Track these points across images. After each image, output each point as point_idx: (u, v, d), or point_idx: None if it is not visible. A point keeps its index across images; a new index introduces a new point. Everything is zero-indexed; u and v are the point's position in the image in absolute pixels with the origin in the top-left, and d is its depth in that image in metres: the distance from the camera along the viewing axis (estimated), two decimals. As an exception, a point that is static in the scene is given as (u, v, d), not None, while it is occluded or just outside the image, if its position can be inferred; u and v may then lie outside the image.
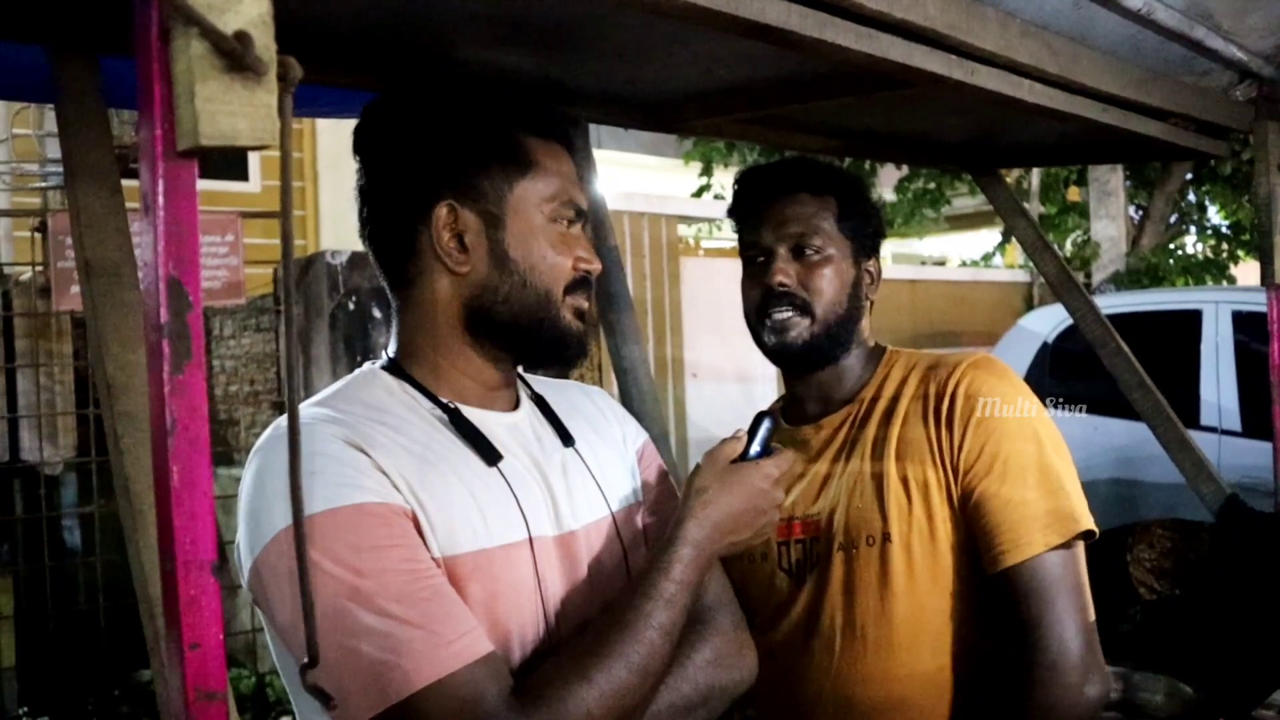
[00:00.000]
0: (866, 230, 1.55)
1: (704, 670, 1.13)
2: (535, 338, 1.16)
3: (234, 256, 4.63)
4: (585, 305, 1.19)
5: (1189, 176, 8.80)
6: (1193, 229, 9.45)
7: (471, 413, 1.15)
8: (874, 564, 1.44)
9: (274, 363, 5.32)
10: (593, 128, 2.04)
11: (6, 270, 5.09)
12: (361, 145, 1.17)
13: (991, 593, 1.41)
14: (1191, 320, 4.85)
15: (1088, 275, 8.42)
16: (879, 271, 1.59)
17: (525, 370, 1.26)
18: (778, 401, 1.66)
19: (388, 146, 1.15)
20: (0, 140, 5.78)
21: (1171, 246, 8.90)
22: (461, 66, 1.50)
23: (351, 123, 1.18)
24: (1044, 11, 1.56)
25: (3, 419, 4.69)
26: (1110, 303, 5.22)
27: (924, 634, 1.43)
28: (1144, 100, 1.87)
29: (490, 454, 1.12)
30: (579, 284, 1.17)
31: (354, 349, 4.73)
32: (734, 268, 1.60)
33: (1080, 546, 1.41)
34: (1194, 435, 2.55)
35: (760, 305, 1.51)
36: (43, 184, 5.43)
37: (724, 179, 8.00)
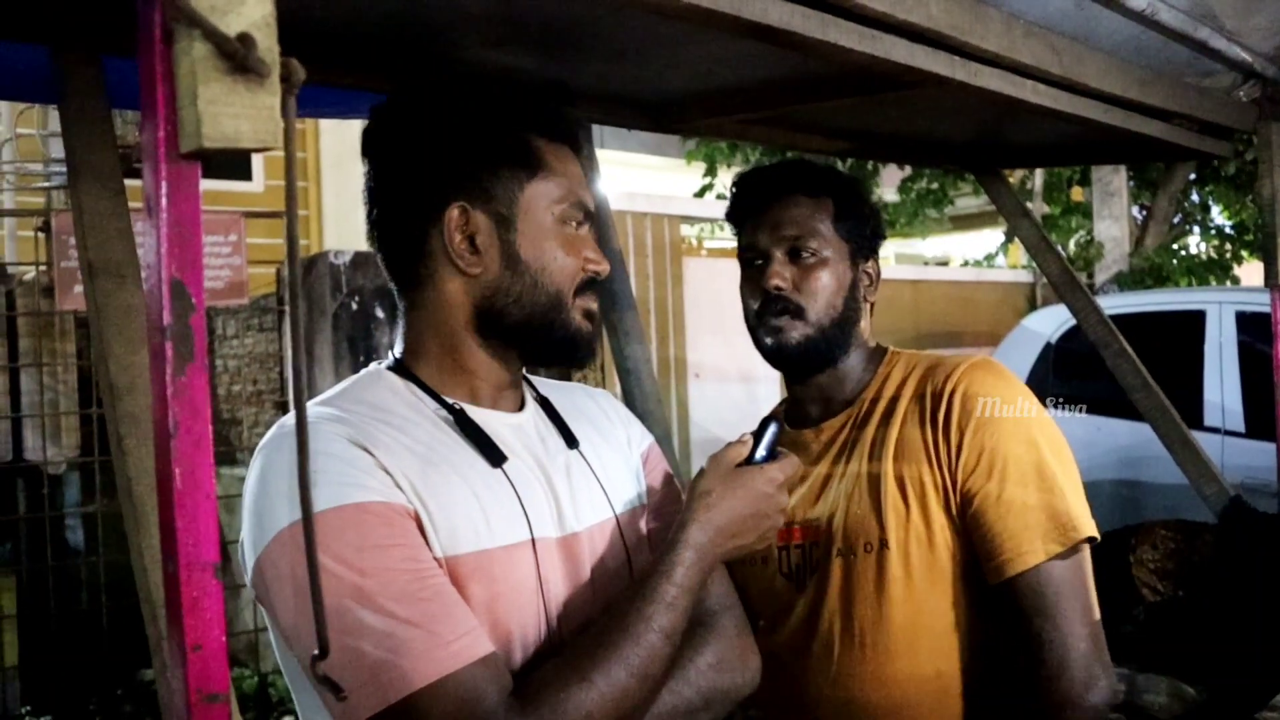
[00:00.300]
0: (864, 232, 1.55)
1: (705, 674, 1.13)
2: (546, 338, 1.16)
3: (237, 256, 4.63)
4: (594, 306, 1.19)
5: (1192, 177, 8.78)
6: (1196, 229, 9.44)
7: (477, 413, 1.15)
8: (872, 570, 1.43)
9: (277, 362, 5.32)
10: (595, 128, 2.04)
11: (10, 270, 5.10)
12: (371, 148, 1.17)
13: (995, 597, 1.40)
14: (1195, 321, 4.84)
15: (1091, 275, 8.40)
16: (878, 273, 1.58)
17: (530, 371, 1.27)
18: (781, 404, 1.66)
19: (398, 149, 1.15)
20: (4, 140, 5.79)
21: (1175, 247, 8.89)
22: (464, 67, 1.50)
23: (355, 123, 1.18)
24: (1047, 12, 1.56)
25: (6, 418, 4.69)
26: (1113, 303, 5.20)
27: (924, 639, 1.42)
28: (1147, 101, 1.86)
29: (495, 455, 1.12)
30: (588, 285, 1.18)
31: (357, 349, 4.74)
32: (737, 268, 1.59)
33: (1085, 551, 1.39)
34: (1197, 436, 2.54)
35: (757, 309, 1.51)
36: (46, 184, 5.43)
37: (727, 179, 7.97)
